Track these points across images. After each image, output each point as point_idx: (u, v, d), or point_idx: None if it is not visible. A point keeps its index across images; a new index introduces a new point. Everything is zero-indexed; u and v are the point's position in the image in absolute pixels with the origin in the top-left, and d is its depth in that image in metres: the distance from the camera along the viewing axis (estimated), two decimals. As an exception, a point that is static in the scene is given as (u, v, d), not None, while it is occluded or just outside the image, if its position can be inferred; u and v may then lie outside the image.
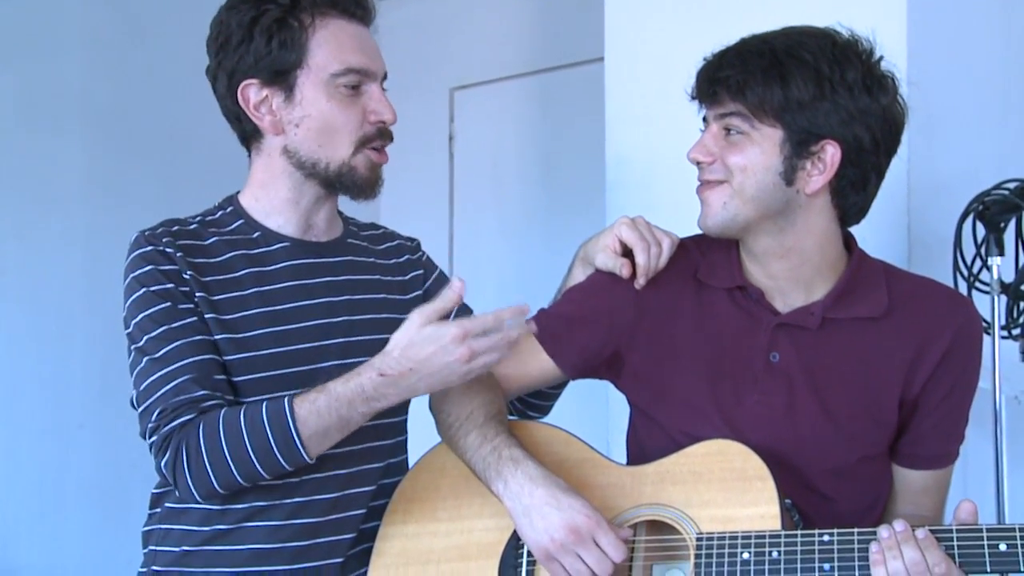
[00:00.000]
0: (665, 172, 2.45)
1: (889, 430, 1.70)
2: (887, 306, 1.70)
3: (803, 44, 1.61)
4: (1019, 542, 1.43)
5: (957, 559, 1.45)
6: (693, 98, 1.70)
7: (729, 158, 1.64)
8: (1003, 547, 1.44)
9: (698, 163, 1.68)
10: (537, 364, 1.81)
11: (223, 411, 1.63)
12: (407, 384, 1.58)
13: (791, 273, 1.70)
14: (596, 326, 1.79)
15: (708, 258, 1.78)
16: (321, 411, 1.59)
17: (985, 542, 1.44)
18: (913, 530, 1.47)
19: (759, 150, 1.63)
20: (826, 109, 1.60)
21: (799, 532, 1.53)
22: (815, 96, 1.59)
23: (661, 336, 1.76)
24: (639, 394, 1.80)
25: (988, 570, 1.44)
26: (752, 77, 1.59)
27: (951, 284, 2.33)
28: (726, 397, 1.70)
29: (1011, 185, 2.25)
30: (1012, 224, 2.29)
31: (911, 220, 2.43)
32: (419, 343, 1.54)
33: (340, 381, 1.61)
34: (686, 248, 1.81)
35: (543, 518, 1.56)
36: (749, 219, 1.66)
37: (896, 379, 1.68)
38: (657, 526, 1.66)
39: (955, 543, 1.46)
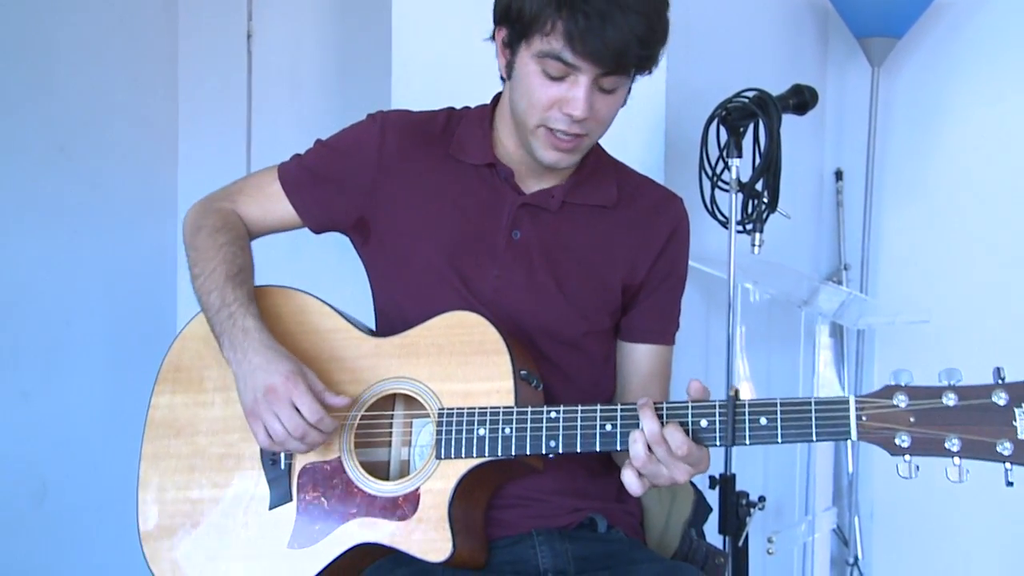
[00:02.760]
0: (447, 70, 2.59)
1: (612, 307, 1.83)
2: (616, 198, 1.82)
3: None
4: (779, 416, 1.47)
5: (717, 431, 1.49)
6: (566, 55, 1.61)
7: (600, 113, 1.67)
8: (763, 421, 1.48)
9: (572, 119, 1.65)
10: (281, 210, 1.85)
11: None
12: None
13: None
14: (336, 187, 1.82)
15: (460, 133, 1.81)
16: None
17: (747, 417, 1.48)
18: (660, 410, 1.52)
19: (623, 95, 1.70)
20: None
21: (529, 409, 1.59)
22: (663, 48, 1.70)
23: (407, 207, 1.78)
24: (385, 260, 1.82)
25: (748, 443, 1.49)
26: (656, 52, 1.64)
27: (697, 182, 2.57)
28: (467, 269, 1.75)
29: (750, 94, 2.47)
30: (751, 129, 2.52)
31: (667, 124, 2.65)
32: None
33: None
34: (436, 120, 1.84)
35: (253, 379, 1.60)
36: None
37: (619, 263, 1.80)
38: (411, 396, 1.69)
39: (716, 417, 1.50)
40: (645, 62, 1.65)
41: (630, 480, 1.52)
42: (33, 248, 2.83)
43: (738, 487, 2.47)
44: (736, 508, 2.45)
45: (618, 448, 1.55)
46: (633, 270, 1.82)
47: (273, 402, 1.58)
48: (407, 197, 1.79)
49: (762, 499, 2.49)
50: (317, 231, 1.88)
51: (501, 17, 1.69)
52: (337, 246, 1.93)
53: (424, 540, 1.59)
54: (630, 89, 1.72)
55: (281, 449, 1.63)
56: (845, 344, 3.49)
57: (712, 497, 2.26)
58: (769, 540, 2.79)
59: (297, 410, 1.58)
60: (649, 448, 1.49)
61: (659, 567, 1.70)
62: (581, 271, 1.79)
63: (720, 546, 2.36)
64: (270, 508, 1.68)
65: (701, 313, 2.84)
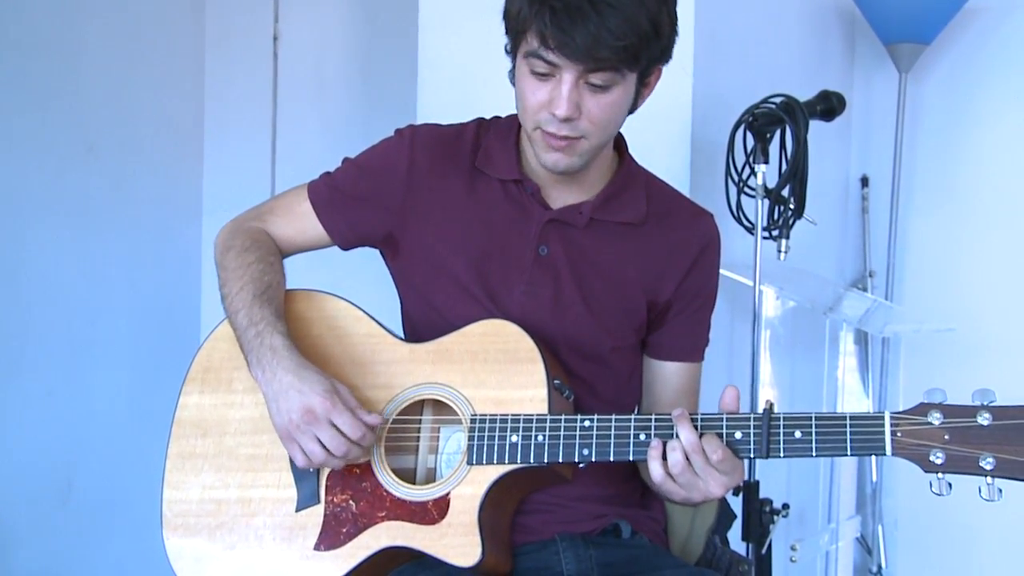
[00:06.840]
0: (474, 74, 2.56)
1: (637, 323, 1.81)
2: (645, 215, 1.79)
3: None
4: (814, 430, 1.49)
5: (752, 443, 1.51)
6: (545, 50, 1.58)
7: (593, 113, 1.62)
8: (798, 434, 1.49)
9: (565, 119, 1.61)
10: (311, 229, 1.84)
11: None
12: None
13: (575, 172, 1.73)
14: (366, 206, 1.81)
15: (486, 146, 1.80)
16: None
17: (781, 430, 1.49)
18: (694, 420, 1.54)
19: (622, 95, 1.63)
20: (668, 41, 1.65)
21: (563, 417, 1.59)
22: (668, 32, 1.64)
23: (435, 222, 1.78)
24: (414, 274, 1.81)
25: (782, 455, 1.50)
26: (643, 47, 1.58)
27: (723, 188, 2.56)
28: (494, 284, 1.74)
29: (777, 99, 2.46)
30: (777, 135, 2.51)
31: (694, 129, 2.64)
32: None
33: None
34: (465, 134, 1.82)
35: (286, 401, 1.59)
36: (597, 154, 1.71)
37: (646, 280, 1.78)
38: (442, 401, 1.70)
39: (751, 430, 1.51)
40: (629, 58, 1.58)
41: (656, 470, 1.53)
42: (59, 247, 2.84)
43: (762, 494, 2.46)
44: (760, 515, 2.44)
45: None
46: (660, 287, 1.80)
47: (312, 423, 1.57)
48: (436, 212, 1.79)
49: (786, 506, 2.48)
50: (345, 248, 1.87)
51: (505, 26, 1.68)
52: (361, 254, 1.92)
53: (453, 545, 1.59)
54: (641, 91, 1.68)
55: (319, 466, 1.63)
56: (870, 352, 3.48)
57: (736, 504, 2.24)
58: (792, 548, 2.78)
59: (337, 429, 1.58)
60: (687, 458, 1.51)
61: (683, 573, 1.69)
62: (608, 287, 1.77)
63: (744, 553, 2.36)
64: (297, 510, 1.67)
65: (726, 319, 2.83)
